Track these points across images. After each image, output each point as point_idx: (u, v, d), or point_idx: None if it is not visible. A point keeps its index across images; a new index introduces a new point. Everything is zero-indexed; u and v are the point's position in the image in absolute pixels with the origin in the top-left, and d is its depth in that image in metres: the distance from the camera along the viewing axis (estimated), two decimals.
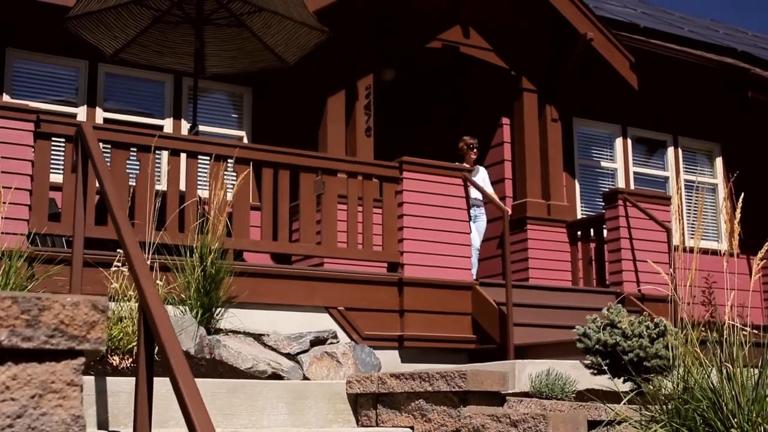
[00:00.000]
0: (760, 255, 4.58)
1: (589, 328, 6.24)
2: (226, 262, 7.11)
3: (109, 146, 7.27)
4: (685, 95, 12.76)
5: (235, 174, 7.69)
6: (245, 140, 10.39)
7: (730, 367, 3.63)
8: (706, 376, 3.81)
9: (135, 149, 7.38)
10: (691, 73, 12.59)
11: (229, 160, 7.69)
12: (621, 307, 6.32)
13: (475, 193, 9.67)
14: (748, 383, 3.57)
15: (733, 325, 3.92)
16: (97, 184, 3.91)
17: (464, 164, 9.71)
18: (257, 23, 8.82)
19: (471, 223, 9.36)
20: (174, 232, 7.22)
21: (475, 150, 10.19)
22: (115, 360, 5.21)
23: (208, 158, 7.62)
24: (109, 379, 3.95)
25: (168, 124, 10.01)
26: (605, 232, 10.09)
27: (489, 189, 10.07)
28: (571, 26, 10.83)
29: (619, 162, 12.45)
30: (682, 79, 12.62)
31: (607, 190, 12.19)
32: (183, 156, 7.67)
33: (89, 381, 3.93)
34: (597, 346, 6.14)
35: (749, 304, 12.55)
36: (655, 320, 6.07)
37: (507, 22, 10.96)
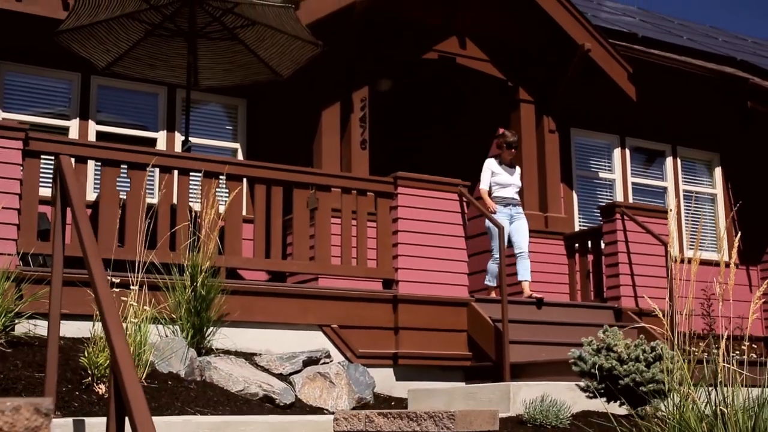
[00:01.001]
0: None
1: (585, 351, 6.15)
2: (218, 281, 7.02)
3: (100, 163, 7.19)
4: (684, 105, 12.67)
5: (227, 190, 7.61)
6: (240, 153, 10.31)
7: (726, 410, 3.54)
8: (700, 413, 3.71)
9: (125, 166, 7.29)
10: (690, 83, 12.50)
11: (221, 177, 7.61)
12: (617, 330, 6.22)
13: (510, 191, 9.47)
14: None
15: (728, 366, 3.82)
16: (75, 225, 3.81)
17: (491, 160, 9.58)
18: (250, 37, 8.73)
19: (507, 222, 9.24)
20: (165, 251, 7.14)
21: (512, 150, 9.61)
22: (101, 389, 5.13)
23: (200, 174, 7.55)
24: (87, 420, 3.85)
25: (161, 137, 9.92)
26: (603, 245, 10.01)
27: (518, 182, 9.67)
28: (568, 37, 10.74)
29: (618, 172, 12.36)
30: (681, 89, 12.53)
31: (605, 203, 12.13)
32: (175, 172, 7.57)
33: (67, 423, 3.83)
34: (593, 370, 6.05)
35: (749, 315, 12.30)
36: (652, 344, 5.98)
37: (504, 32, 10.87)
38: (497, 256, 9.12)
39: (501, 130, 9.96)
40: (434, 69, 11.00)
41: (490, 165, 9.61)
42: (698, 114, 12.82)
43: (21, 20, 8.99)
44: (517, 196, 9.55)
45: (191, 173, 7.54)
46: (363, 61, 9.96)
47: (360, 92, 9.91)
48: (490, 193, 9.51)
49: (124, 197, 7.34)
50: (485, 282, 9.55)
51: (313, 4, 9.17)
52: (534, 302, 9.21)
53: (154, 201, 7.72)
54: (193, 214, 7.44)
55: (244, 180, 7.99)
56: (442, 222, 8.43)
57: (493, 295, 9.28)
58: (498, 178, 9.52)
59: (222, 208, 7.69)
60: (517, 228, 9.45)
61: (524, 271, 9.42)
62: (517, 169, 9.79)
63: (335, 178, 8.27)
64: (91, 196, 8.70)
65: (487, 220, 9.25)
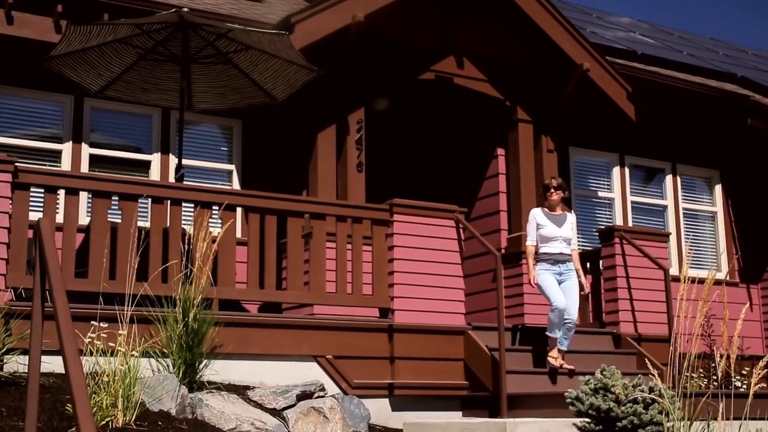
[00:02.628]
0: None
1: (582, 392, 6.05)
2: (210, 313, 6.93)
3: (90, 195, 7.09)
4: (684, 122, 12.57)
5: (221, 220, 7.51)
6: (235, 174, 10.20)
7: None
8: None
9: (117, 197, 7.20)
10: (690, 100, 12.41)
11: (214, 207, 7.51)
12: (615, 369, 6.13)
13: (557, 246, 8.36)
14: None
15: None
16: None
17: (535, 210, 8.66)
18: (244, 61, 8.64)
19: (550, 276, 8.28)
20: (157, 283, 7.03)
21: (552, 192, 8.54)
22: None
23: (193, 205, 7.46)
24: None
25: (155, 159, 9.82)
26: (602, 269, 9.90)
27: (568, 234, 8.45)
28: (567, 56, 10.63)
29: (617, 191, 12.25)
30: (681, 106, 12.43)
31: (604, 222, 12.05)
32: (167, 202, 7.47)
33: None
34: (590, 411, 5.96)
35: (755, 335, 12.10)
36: (650, 384, 5.88)
37: (502, 52, 10.77)
38: (553, 305, 8.20)
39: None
40: (431, 89, 10.90)
41: (534, 215, 8.60)
42: (698, 131, 12.72)
43: (12, 43, 8.90)
44: (567, 250, 8.41)
45: (184, 204, 7.45)
46: (359, 83, 9.86)
47: (356, 114, 9.81)
48: (536, 250, 8.51)
49: (118, 220, 7.24)
50: (547, 333, 8.43)
51: (308, 26, 9.07)
52: (532, 329, 9.12)
53: (147, 224, 7.63)
54: (187, 238, 7.31)
55: (237, 210, 7.89)
56: (438, 249, 8.33)
57: (555, 356, 8.35)
58: (544, 231, 8.45)
59: (216, 230, 7.61)
60: (566, 290, 8.31)
61: (564, 340, 8.32)
62: (569, 217, 8.67)
63: (330, 206, 8.17)
64: (84, 220, 8.59)
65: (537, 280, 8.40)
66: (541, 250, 8.42)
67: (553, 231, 8.43)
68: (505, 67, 10.78)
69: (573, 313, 8.26)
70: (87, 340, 5.66)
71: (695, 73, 13.23)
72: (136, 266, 6.57)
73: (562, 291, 8.26)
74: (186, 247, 7.05)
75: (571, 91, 10.75)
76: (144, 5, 9.12)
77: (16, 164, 6.72)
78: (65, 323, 2.88)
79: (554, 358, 8.32)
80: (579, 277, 8.52)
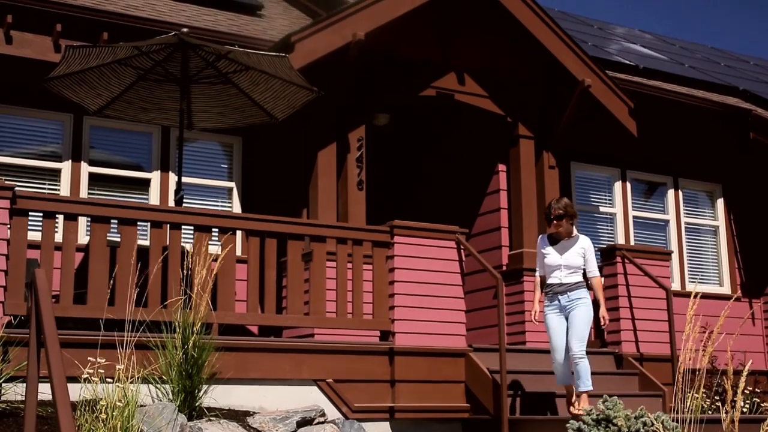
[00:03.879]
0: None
1: (584, 422, 6.01)
2: (210, 338, 6.89)
3: (89, 220, 7.05)
4: (686, 136, 12.52)
5: (220, 244, 7.47)
6: (235, 191, 10.16)
7: None
8: None
9: (116, 221, 7.16)
10: (692, 115, 12.36)
11: (213, 229, 7.48)
12: (617, 400, 6.09)
13: (558, 276, 7.61)
14: None
15: None
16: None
17: (541, 237, 7.96)
18: (244, 81, 8.60)
19: (556, 320, 7.56)
20: (156, 308, 6.99)
21: (554, 221, 7.66)
22: None
23: (192, 228, 7.42)
24: None
25: (155, 177, 9.77)
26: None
27: (573, 262, 7.63)
28: (568, 72, 10.58)
29: (618, 206, 12.20)
30: (682, 121, 12.38)
31: (606, 237, 11.99)
32: (166, 226, 7.43)
33: None
34: None
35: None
36: (654, 415, 5.84)
37: (503, 68, 10.72)
38: (552, 356, 7.65)
39: None
40: (432, 105, 10.86)
41: (539, 244, 7.92)
42: (700, 145, 12.67)
43: (11, 63, 8.87)
44: (570, 279, 7.58)
45: (183, 227, 7.41)
46: (359, 101, 9.82)
47: (356, 132, 9.77)
48: (543, 281, 7.84)
49: (116, 231, 7.20)
50: (558, 383, 7.84)
51: (309, 45, 9.02)
52: (532, 350, 9.07)
53: (147, 243, 7.59)
54: (187, 260, 7.27)
55: (238, 233, 7.85)
56: (439, 271, 8.29)
57: (573, 402, 7.62)
58: (546, 260, 7.73)
59: (216, 247, 7.56)
60: (570, 319, 7.55)
61: (581, 382, 7.40)
62: (580, 241, 7.78)
63: (330, 228, 8.13)
64: (84, 239, 8.54)
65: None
66: (548, 281, 7.74)
67: (554, 259, 7.69)
68: (506, 83, 10.73)
69: (573, 346, 7.41)
70: (85, 375, 5.60)
71: (697, 86, 13.18)
72: (135, 294, 6.54)
73: (557, 323, 7.56)
74: (186, 272, 7.01)
75: (572, 107, 10.69)
76: (143, 23, 9.10)
77: (15, 190, 6.68)
78: (59, 385, 2.83)
79: (572, 406, 7.53)
80: (600, 307, 7.76)
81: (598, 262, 10.11)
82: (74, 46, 7.46)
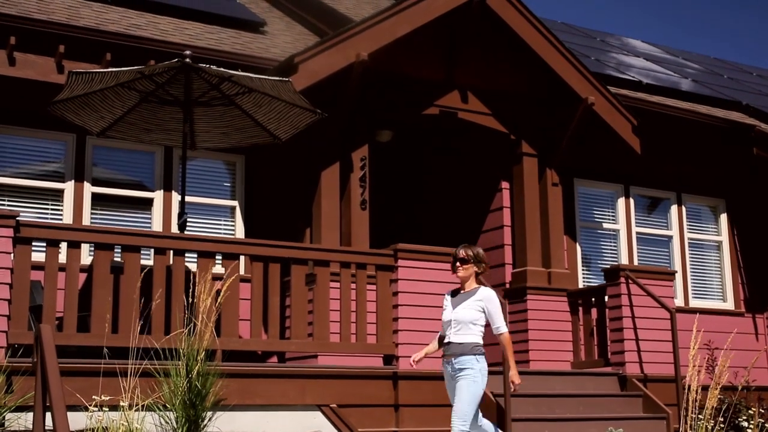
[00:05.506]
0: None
1: None
2: (214, 365, 6.86)
3: (93, 247, 7.04)
4: (689, 152, 12.50)
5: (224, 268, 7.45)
6: (238, 210, 10.13)
7: None
8: None
9: (119, 248, 7.15)
10: (695, 130, 12.34)
11: (217, 256, 7.47)
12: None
13: (449, 335, 6.43)
14: None
15: None
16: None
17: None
18: (248, 102, 8.57)
19: (447, 378, 6.53)
20: (159, 335, 6.98)
21: (458, 265, 6.54)
22: None
23: (196, 254, 7.41)
24: None
25: (158, 197, 9.75)
26: (607, 309, 9.82)
27: (462, 317, 6.39)
28: (572, 90, 10.57)
29: (622, 223, 12.18)
30: (686, 136, 12.36)
31: (609, 254, 11.97)
32: (170, 253, 7.42)
33: None
34: None
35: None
36: None
37: (506, 86, 10.71)
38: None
39: None
40: (435, 124, 10.83)
41: (444, 297, 6.76)
42: (703, 161, 12.65)
43: (15, 84, 8.85)
44: (458, 339, 6.36)
45: (187, 253, 7.40)
46: (362, 120, 9.80)
47: (359, 151, 9.75)
48: (441, 339, 6.62)
49: (119, 257, 7.18)
50: None
51: (312, 66, 9.01)
52: (537, 372, 9.04)
53: (150, 262, 7.58)
54: (191, 283, 7.24)
55: (242, 257, 7.84)
56: (443, 294, 8.24)
57: None
58: (443, 315, 6.62)
59: (219, 267, 7.55)
60: (455, 391, 6.41)
61: None
62: (479, 293, 6.50)
63: (334, 252, 8.11)
64: (87, 259, 8.51)
65: None
66: None
67: (446, 314, 6.54)
68: (509, 100, 10.71)
69: (453, 424, 6.30)
70: (90, 413, 5.58)
71: (700, 101, 13.16)
72: (140, 322, 6.53)
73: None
74: (189, 300, 6.99)
75: (576, 124, 10.67)
76: (147, 44, 9.09)
77: (18, 219, 6.67)
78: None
79: None
80: (509, 369, 6.59)
81: (601, 282, 10.12)
82: (78, 72, 7.43)
